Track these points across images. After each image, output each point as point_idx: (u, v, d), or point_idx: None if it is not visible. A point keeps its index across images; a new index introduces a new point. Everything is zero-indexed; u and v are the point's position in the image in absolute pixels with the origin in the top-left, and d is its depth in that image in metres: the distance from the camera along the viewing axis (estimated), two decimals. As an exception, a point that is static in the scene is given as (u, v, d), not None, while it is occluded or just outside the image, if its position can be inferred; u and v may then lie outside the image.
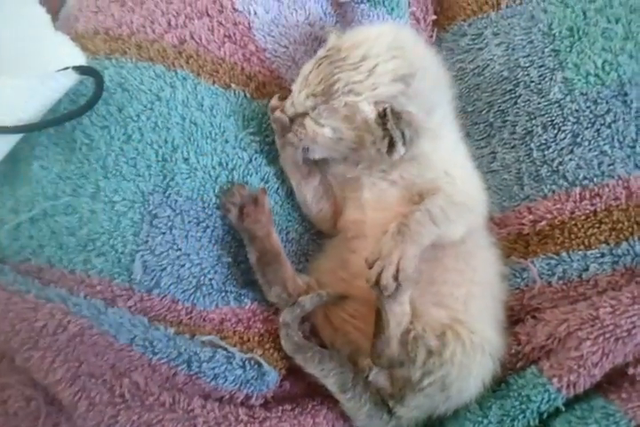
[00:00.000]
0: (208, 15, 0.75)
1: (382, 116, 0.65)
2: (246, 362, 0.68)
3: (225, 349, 0.68)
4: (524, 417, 0.67)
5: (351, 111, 0.66)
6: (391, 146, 0.66)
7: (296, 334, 0.70)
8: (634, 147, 0.75)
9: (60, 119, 0.68)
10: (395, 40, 0.68)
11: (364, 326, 0.70)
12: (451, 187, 0.70)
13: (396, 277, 0.61)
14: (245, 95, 0.75)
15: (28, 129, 0.67)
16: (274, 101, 0.72)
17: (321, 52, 0.69)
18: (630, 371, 0.67)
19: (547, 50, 0.80)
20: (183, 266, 0.69)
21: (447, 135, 0.73)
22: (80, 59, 0.70)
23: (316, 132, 0.67)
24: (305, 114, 0.68)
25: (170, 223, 0.69)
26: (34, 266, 0.68)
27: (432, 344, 0.65)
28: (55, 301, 0.64)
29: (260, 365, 0.69)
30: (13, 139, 0.68)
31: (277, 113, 0.69)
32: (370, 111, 0.66)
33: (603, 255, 0.74)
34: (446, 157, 0.72)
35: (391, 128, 0.64)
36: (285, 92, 0.77)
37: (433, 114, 0.69)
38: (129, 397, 0.63)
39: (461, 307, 0.69)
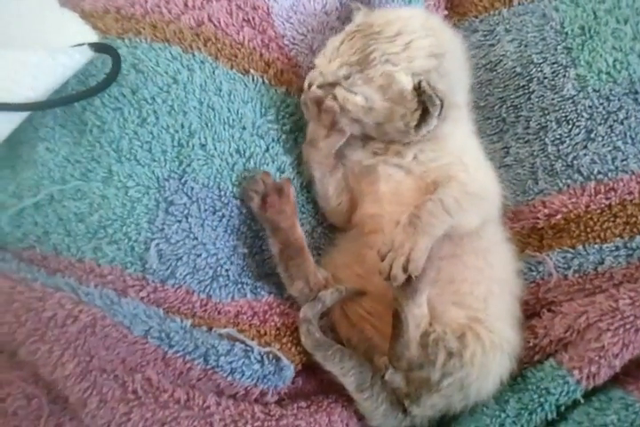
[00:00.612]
0: (227, -3, 0.72)
1: (417, 88, 0.66)
2: (264, 356, 0.65)
3: (243, 342, 0.65)
4: (543, 410, 0.67)
5: (387, 81, 0.66)
6: (422, 120, 0.67)
7: (317, 331, 0.68)
8: (645, 143, 0.76)
9: (71, 99, 0.65)
10: (427, 21, 0.70)
11: (379, 324, 0.68)
12: (464, 175, 0.69)
13: (405, 268, 0.60)
14: (264, 82, 0.73)
15: (35, 107, 0.63)
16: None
17: (350, 27, 0.69)
18: None
19: (559, 47, 0.81)
20: (199, 256, 0.66)
21: (465, 122, 0.74)
22: (91, 36, 0.68)
23: (347, 100, 0.67)
24: (334, 84, 0.67)
25: (186, 211, 0.66)
26: (38, 254, 0.63)
27: (452, 346, 0.64)
28: (65, 290, 0.60)
29: (278, 359, 0.66)
30: (19, 118, 0.64)
31: (312, 90, 0.68)
32: (407, 82, 0.66)
33: (617, 249, 0.74)
34: (461, 143, 0.73)
35: (428, 99, 0.65)
36: (301, 81, 0.76)
37: (456, 96, 0.70)
38: (142, 393, 0.60)
39: (481, 305, 0.68)
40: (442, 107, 0.66)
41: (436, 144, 0.71)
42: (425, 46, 0.67)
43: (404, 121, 0.68)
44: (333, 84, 0.67)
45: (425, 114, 0.67)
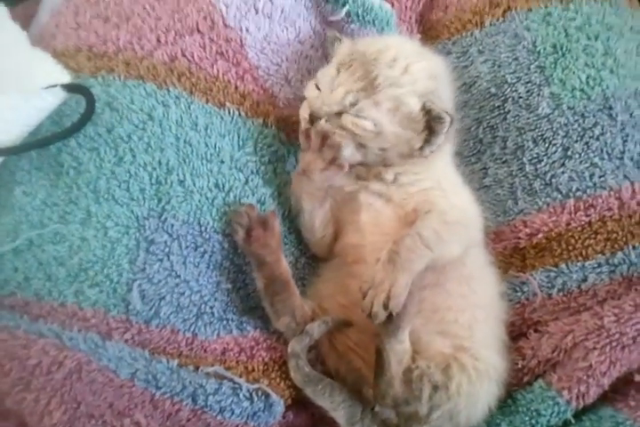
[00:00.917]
0: (199, 31, 0.72)
1: (423, 108, 0.68)
2: (253, 393, 0.65)
3: (231, 380, 0.64)
4: None
5: (395, 104, 0.67)
6: (426, 140, 0.69)
7: (306, 365, 0.67)
8: (622, 158, 0.77)
9: (46, 141, 0.64)
10: (415, 46, 0.73)
11: (366, 355, 0.68)
12: (444, 202, 0.69)
13: (386, 306, 0.60)
14: (240, 114, 0.73)
15: (10, 152, 0.63)
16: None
17: (340, 58, 0.70)
18: (637, 378, 0.68)
19: (532, 66, 0.82)
20: (183, 294, 0.66)
21: (447, 147, 0.74)
22: (64, 76, 0.67)
23: (357, 125, 0.67)
24: (340, 113, 0.67)
25: (167, 249, 0.66)
26: (20, 300, 0.63)
27: (437, 379, 0.63)
28: (48, 336, 0.59)
29: (267, 395, 0.65)
30: (-7, 163, 0.64)
31: (321, 124, 0.68)
32: (414, 103, 0.68)
33: (600, 265, 0.75)
34: (442, 167, 0.73)
35: (436, 117, 0.67)
36: (279, 111, 0.76)
37: None
38: (131, 437, 0.59)
39: (466, 333, 0.68)
40: (451, 122, 0.68)
41: (418, 166, 0.71)
42: (423, 69, 0.69)
43: (409, 144, 0.69)
44: (339, 114, 0.67)
45: (430, 134, 0.68)
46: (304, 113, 0.69)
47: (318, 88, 0.69)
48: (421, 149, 0.69)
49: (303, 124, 0.69)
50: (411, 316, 0.63)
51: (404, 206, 0.70)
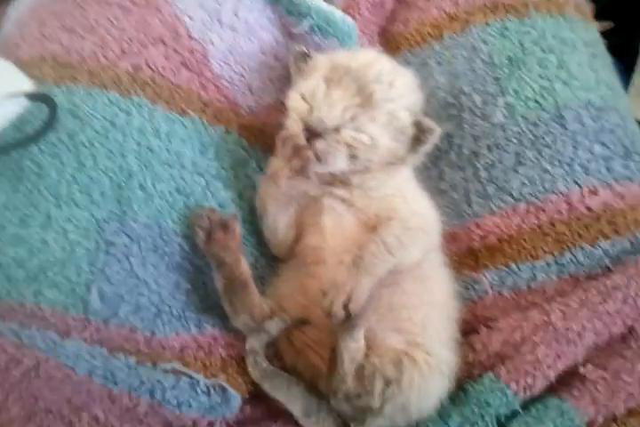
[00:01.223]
0: (163, 42, 0.75)
1: (414, 121, 0.71)
2: (211, 388, 0.67)
3: (189, 375, 0.66)
4: (484, 421, 0.69)
5: (389, 119, 0.70)
6: (411, 150, 0.72)
7: (264, 361, 0.69)
8: (572, 165, 0.80)
9: (9, 147, 0.66)
10: (390, 61, 0.75)
11: (323, 352, 0.70)
12: (405, 208, 0.72)
13: (346, 307, 0.62)
14: (202, 122, 0.75)
15: (-26, 158, 0.65)
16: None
17: (323, 72, 0.71)
18: (581, 370, 0.71)
19: (488, 78, 0.85)
20: (142, 294, 0.68)
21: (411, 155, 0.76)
22: (27, 85, 0.69)
23: (355, 139, 0.68)
24: (338, 128, 0.68)
25: (127, 251, 0.68)
26: (-21, 301, 0.65)
27: (390, 374, 0.65)
28: (6, 334, 0.61)
29: (224, 390, 0.67)
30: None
31: (319, 142, 0.68)
32: (406, 118, 0.71)
33: (549, 265, 0.78)
34: (405, 175, 0.76)
35: (427, 130, 0.71)
36: (241, 119, 0.79)
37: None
38: (89, 431, 0.61)
39: (419, 330, 0.70)
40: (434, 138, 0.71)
41: (382, 173, 0.73)
42: (405, 83, 0.72)
43: (394, 154, 0.71)
44: (337, 129, 0.68)
45: (415, 143, 0.72)
46: (295, 127, 0.69)
47: (305, 100, 0.70)
48: (404, 157, 0.72)
49: (298, 140, 0.69)
50: (368, 317, 0.65)
51: (366, 212, 0.72)
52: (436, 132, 0.71)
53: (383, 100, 0.69)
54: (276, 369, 0.71)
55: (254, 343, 0.70)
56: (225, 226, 0.71)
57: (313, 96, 0.70)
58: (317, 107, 0.69)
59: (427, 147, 0.72)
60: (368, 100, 0.69)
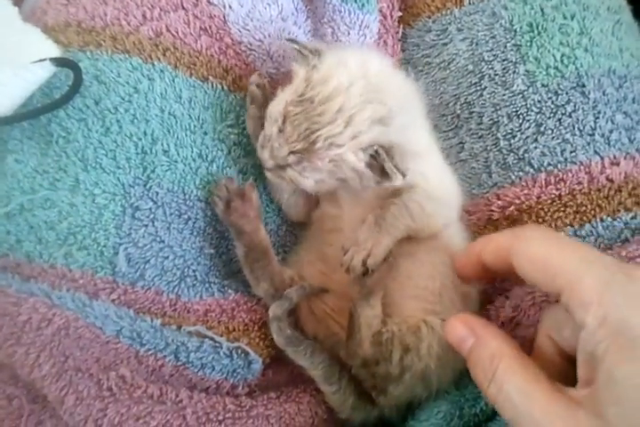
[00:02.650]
0: (183, 8, 0.75)
1: (373, 157, 0.65)
2: (233, 351, 0.69)
3: (212, 338, 0.68)
4: None
5: (336, 164, 0.66)
6: (384, 179, 0.66)
7: (287, 327, 0.71)
8: (593, 135, 0.79)
9: (36, 112, 0.67)
10: (367, 83, 0.66)
11: (343, 321, 0.71)
12: (426, 183, 0.72)
13: (364, 263, 0.64)
14: (223, 88, 0.75)
15: (2, 122, 0.66)
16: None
17: (292, 92, 0.67)
18: None
19: (509, 44, 0.84)
20: (167, 258, 0.69)
21: (423, 145, 0.74)
22: (54, 51, 0.69)
23: (299, 182, 0.67)
24: (284, 167, 0.67)
25: (152, 216, 0.69)
26: (12, 261, 0.66)
27: (408, 341, 0.67)
28: (38, 295, 0.63)
29: (246, 354, 0.69)
30: (-14, 133, 0.67)
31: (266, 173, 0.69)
32: (356, 160, 0.65)
33: (568, 236, 0.77)
34: (421, 162, 0.73)
35: (389, 169, 0.64)
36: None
37: (411, 136, 0.69)
38: (116, 390, 0.63)
39: (437, 299, 0.71)
40: (400, 169, 0.65)
41: None
42: (366, 118, 0.64)
43: (362, 184, 0.68)
44: (283, 167, 0.67)
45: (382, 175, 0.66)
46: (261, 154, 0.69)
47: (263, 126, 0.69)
48: (379, 182, 0.67)
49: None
50: (382, 282, 0.67)
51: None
52: (397, 178, 0.64)
53: (327, 145, 0.64)
54: (300, 335, 0.72)
55: (277, 310, 0.71)
56: (243, 195, 0.72)
57: (267, 131, 0.67)
58: (265, 146, 0.67)
59: (397, 181, 0.65)
60: (312, 146, 0.64)
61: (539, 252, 0.51)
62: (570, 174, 0.79)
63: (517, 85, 0.82)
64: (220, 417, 0.66)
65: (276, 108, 0.67)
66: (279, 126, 0.66)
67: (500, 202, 0.81)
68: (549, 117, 0.81)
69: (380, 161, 0.65)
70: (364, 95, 0.65)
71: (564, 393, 0.47)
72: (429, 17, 0.90)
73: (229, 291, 0.74)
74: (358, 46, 0.84)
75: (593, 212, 0.77)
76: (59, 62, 0.66)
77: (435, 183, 0.72)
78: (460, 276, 0.62)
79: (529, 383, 0.48)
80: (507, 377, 0.50)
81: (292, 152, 0.65)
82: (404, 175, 0.65)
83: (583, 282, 0.46)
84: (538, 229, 0.61)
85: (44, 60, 0.66)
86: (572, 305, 0.47)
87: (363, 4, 0.81)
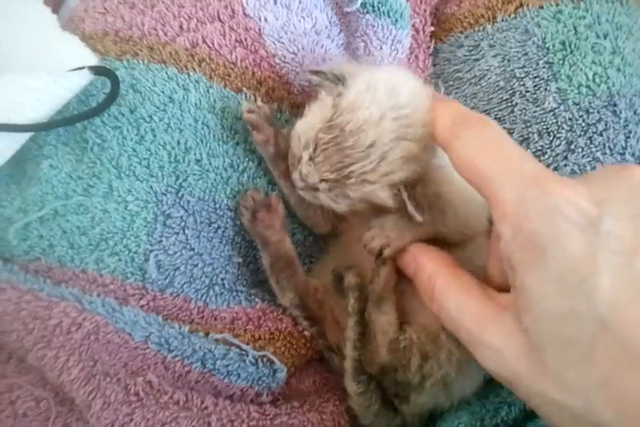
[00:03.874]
0: (220, 20, 0.75)
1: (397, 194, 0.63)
2: (259, 359, 0.69)
3: (238, 346, 0.69)
4: (521, 402, 0.69)
5: (367, 198, 0.64)
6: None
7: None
8: (623, 153, 0.79)
9: (73, 119, 0.68)
10: (397, 116, 0.63)
11: None
12: (458, 191, 0.71)
13: (382, 248, 0.65)
14: (256, 99, 0.76)
15: (40, 128, 0.67)
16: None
17: (321, 118, 0.65)
18: None
19: (541, 62, 0.84)
20: (196, 266, 0.70)
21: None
22: (91, 59, 0.71)
23: (331, 206, 0.66)
24: (317, 189, 0.65)
25: (183, 223, 0.69)
26: (44, 265, 0.67)
27: (427, 349, 0.66)
28: (69, 299, 0.64)
29: (272, 362, 0.70)
30: (23, 138, 0.68)
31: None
32: (387, 196, 0.63)
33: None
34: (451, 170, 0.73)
35: (410, 211, 0.63)
36: (293, 97, 0.80)
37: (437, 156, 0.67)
38: (143, 395, 0.63)
39: None
40: (422, 207, 0.63)
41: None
42: (400, 156, 0.62)
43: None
44: (315, 189, 0.65)
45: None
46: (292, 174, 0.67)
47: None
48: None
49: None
50: (389, 287, 0.67)
51: None
52: (416, 213, 0.62)
53: (360, 181, 0.63)
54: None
55: (352, 280, 0.69)
56: (268, 205, 0.72)
57: (297, 152, 0.65)
58: (295, 167, 0.65)
59: (419, 218, 0.63)
60: (344, 179, 0.63)
61: (469, 154, 0.53)
62: (601, 193, 0.78)
63: (549, 103, 0.82)
64: (245, 425, 0.66)
65: (305, 131, 0.65)
66: (310, 154, 0.64)
67: (528, 218, 0.81)
68: (580, 135, 0.81)
69: (402, 198, 0.63)
70: (396, 132, 0.63)
71: (495, 300, 0.52)
72: (462, 32, 0.90)
73: (256, 300, 0.74)
74: (390, 61, 0.85)
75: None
76: (96, 71, 0.67)
77: (467, 194, 0.71)
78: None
79: (462, 296, 0.54)
80: (444, 295, 0.55)
81: (323, 180, 0.64)
82: (424, 211, 0.63)
83: (502, 194, 0.49)
84: (475, 126, 0.55)
85: (82, 68, 0.67)
86: (494, 215, 0.51)
87: (396, 20, 0.82)
